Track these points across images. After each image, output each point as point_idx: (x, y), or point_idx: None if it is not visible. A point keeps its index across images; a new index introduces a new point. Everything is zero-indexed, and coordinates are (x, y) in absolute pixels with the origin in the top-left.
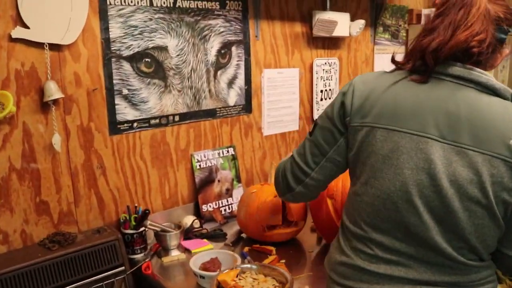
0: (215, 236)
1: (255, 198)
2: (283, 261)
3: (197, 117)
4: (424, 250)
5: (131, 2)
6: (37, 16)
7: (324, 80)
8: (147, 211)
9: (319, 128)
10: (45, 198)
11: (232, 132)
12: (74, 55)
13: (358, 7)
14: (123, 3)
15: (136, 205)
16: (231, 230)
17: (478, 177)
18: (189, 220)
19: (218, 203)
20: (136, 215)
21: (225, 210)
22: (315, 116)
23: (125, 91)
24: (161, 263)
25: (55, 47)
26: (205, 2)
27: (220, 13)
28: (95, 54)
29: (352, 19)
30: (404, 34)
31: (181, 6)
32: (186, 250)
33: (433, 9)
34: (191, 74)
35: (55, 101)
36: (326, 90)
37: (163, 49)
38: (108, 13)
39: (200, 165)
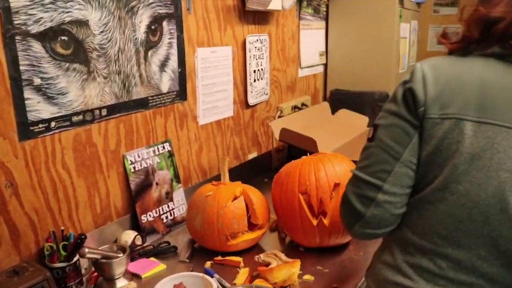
0: (164, 252)
1: (212, 202)
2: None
3: (127, 108)
4: None
5: None
6: None
7: (256, 59)
8: (83, 236)
9: (383, 128)
10: None
11: (166, 124)
12: None
13: None
14: None
15: (62, 228)
16: (179, 241)
17: None
18: (128, 236)
19: (159, 210)
20: (66, 242)
21: (166, 217)
22: (250, 100)
23: (37, 81)
24: None
25: None
26: None
27: None
28: None
29: None
30: (325, 9)
31: None
32: (135, 276)
33: None
34: (118, 55)
35: None
36: (258, 70)
37: (83, 24)
38: None
39: (134, 168)
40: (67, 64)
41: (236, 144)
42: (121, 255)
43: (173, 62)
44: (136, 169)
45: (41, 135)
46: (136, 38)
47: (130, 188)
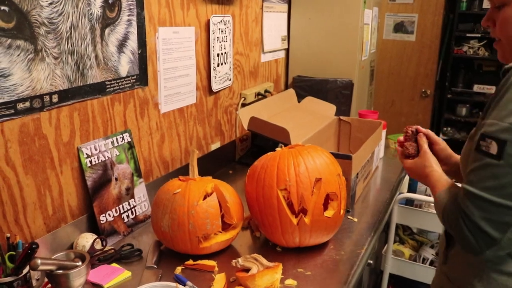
0: (128, 256)
1: (182, 201)
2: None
3: (82, 94)
4: None
5: None
6: None
7: (220, 42)
8: (34, 246)
9: None
10: None
11: (126, 112)
12: None
13: None
14: None
15: (8, 235)
16: (143, 243)
17: None
18: (86, 240)
19: (119, 208)
20: (13, 252)
21: (127, 216)
22: (213, 86)
23: None
24: None
25: None
26: None
27: None
28: None
29: None
30: None
31: None
32: (96, 287)
33: None
34: (70, 32)
35: None
36: (222, 53)
37: None
38: None
39: (91, 162)
40: (9, 40)
41: (199, 133)
42: (80, 263)
43: (133, 43)
44: (93, 163)
45: None
46: (91, 13)
47: (86, 185)
